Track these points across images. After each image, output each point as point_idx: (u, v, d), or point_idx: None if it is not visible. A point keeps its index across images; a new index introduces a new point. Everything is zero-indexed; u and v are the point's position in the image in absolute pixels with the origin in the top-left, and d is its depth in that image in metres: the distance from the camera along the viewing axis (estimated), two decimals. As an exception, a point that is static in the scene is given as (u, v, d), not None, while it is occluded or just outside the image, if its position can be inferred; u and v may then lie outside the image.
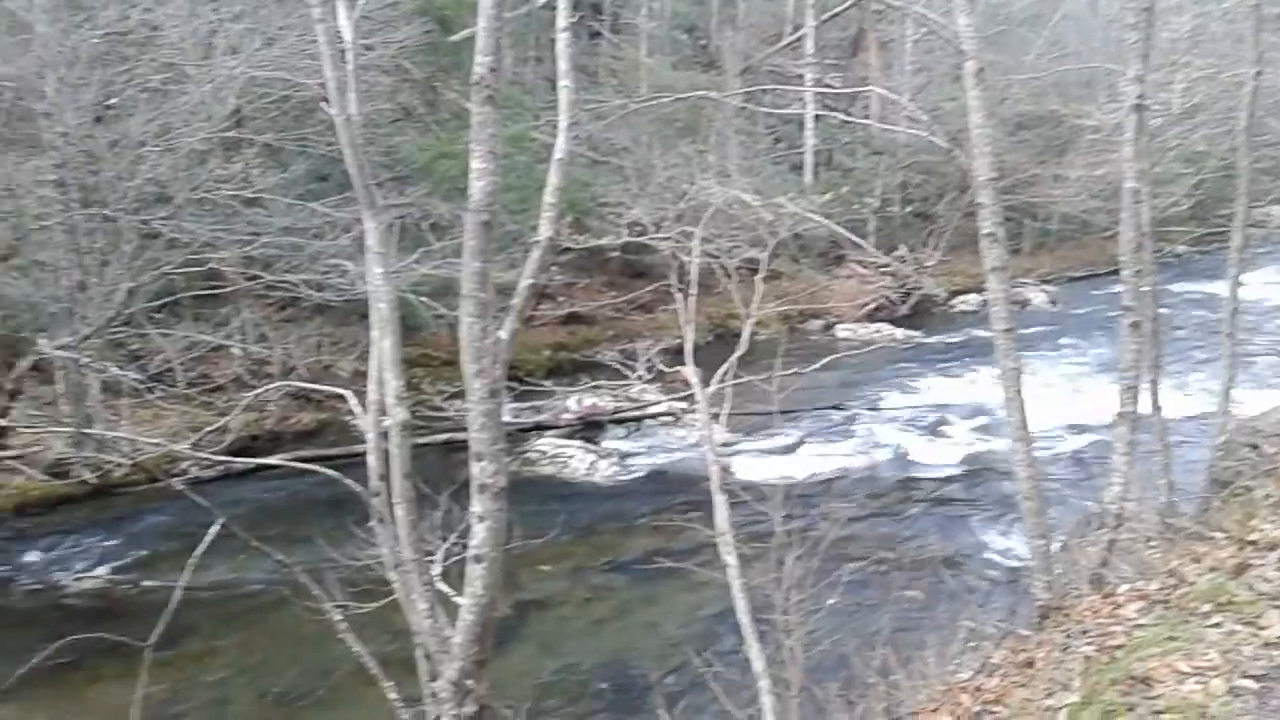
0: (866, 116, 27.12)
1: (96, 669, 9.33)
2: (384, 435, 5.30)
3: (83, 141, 14.76)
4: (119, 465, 14.87)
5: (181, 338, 16.17)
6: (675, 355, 10.26)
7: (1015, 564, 11.08)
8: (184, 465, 14.65)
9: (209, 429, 14.27)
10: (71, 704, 9.02)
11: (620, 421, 17.86)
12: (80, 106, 14.65)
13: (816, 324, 25.26)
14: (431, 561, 5.47)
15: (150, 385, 14.78)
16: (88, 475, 14.76)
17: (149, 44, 15.90)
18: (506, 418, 5.28)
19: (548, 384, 18.50)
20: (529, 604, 11.01)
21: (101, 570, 12.29)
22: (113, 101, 15.40)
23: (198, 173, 15.79)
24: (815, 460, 15.81)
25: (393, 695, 4.85)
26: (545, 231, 5.11)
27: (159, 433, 15.22)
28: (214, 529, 4.87)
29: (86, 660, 9.38)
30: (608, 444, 16.99)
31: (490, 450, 4.74)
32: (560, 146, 5.22)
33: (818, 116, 28.98)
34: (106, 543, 13.20)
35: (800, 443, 16.60)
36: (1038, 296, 29.08)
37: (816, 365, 9.40)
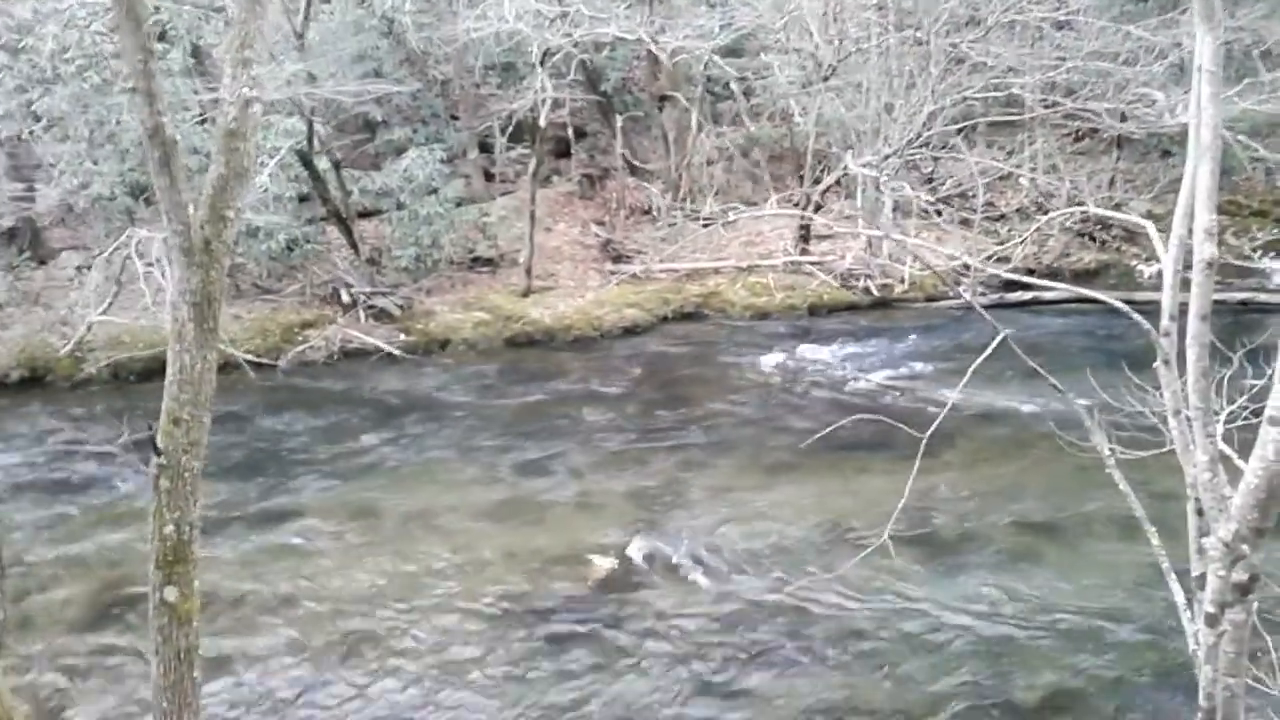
0: None
1: (862, 460, 10.29)
2: (1183, 275, 4.80)
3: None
4: (900, 281, 15.86)
5: (973, 163, 16.36)
6: None
7: None
8: (959, 289, 15.12)
9: (989, 255, 14.45)
10: (838, 483, 10.07)
11: None
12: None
13: None
14: (1216, 418, 4.91)
15: (937, 208, 15.32)
16: (872, 286, 15.99)
17: None
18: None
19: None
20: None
21: (875, 374, 13.33)
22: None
23: (1012, -6, 15.48)
24: None
25: (1154, 541, 4.54)
26: None
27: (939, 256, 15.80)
28: (995, 341, 4.88)
29: (855, 452, 10.39)
30: None
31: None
32: None
33: None
34: (882, 350, 14.29)
35: None
36: None
37: None
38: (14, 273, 14.59)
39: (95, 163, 14.44)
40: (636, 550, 9.00)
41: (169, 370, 3.88)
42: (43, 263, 15.43)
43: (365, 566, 8.80)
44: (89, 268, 14.43)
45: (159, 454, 3.80)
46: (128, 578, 8.26)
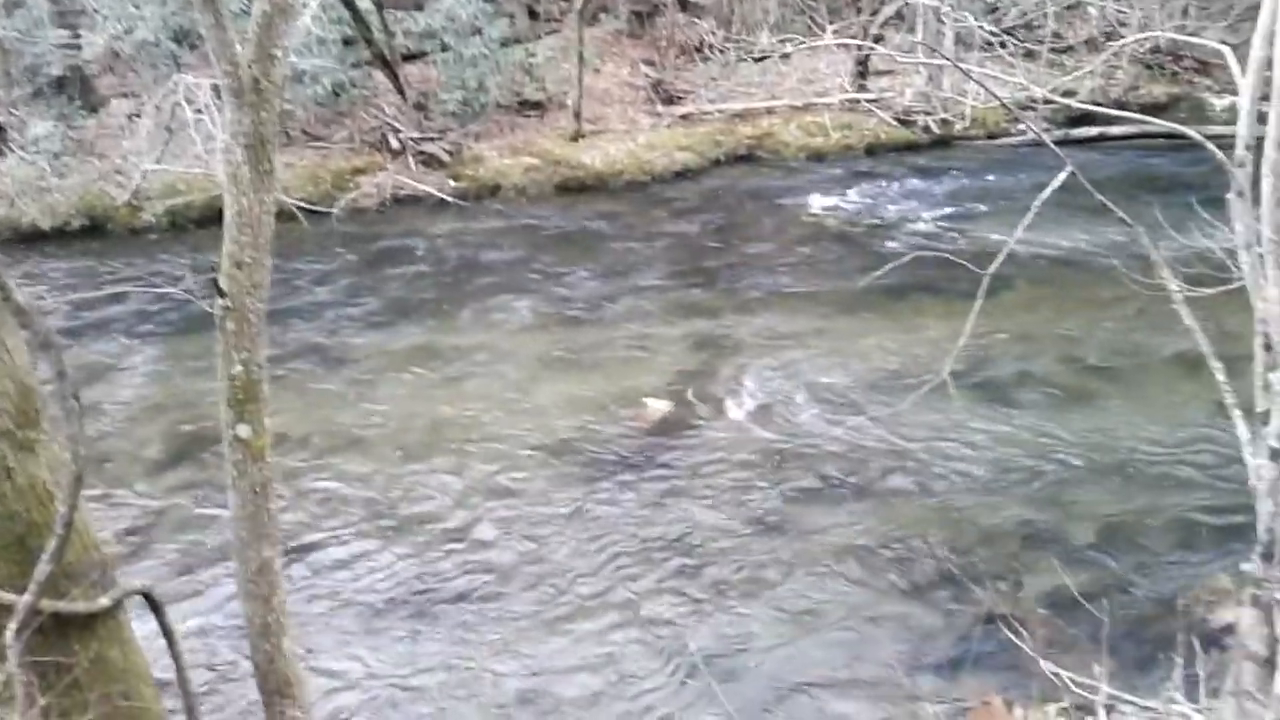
0: None
1: (920, 303, 10.22)
2: (1262, 100, 4.57)
3: None
4: (961, 118, 15.38)
5: (1041, -9, 15.60)
6: None
7: None
8: (1020, 126, 14.65)
9: (1055, 88, 13.88)
10: (895, 325, 10.02)
11: None
12: None
13: None
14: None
15: (1001, 39, 14.67)
16: (932, 123, 15.52)
17: None
18: None
19: None
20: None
21: (934, 215, 13.09)
22: None
23: None
24: None
25: (1220, 378, 4.47)
26: None
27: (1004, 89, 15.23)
28: (1061, 176, 4.70)
29: (913, 294, 10.32)
30: None
31: None
32: None
33: None
34: (942, 190, 13.99)
35: None
36: None
37: None
38: (66, 122, 14.60)
39: (137, 7, 14.24)
40: (691, 393, 9.09)
41: (227, 214, 3.88)
42: (94, 111, 15.41)
43: (425, 409, 9.00)
44: (139, 115, 14.41)
45: (223, 296, 3.85)
46: (201, 416, 8.54)
